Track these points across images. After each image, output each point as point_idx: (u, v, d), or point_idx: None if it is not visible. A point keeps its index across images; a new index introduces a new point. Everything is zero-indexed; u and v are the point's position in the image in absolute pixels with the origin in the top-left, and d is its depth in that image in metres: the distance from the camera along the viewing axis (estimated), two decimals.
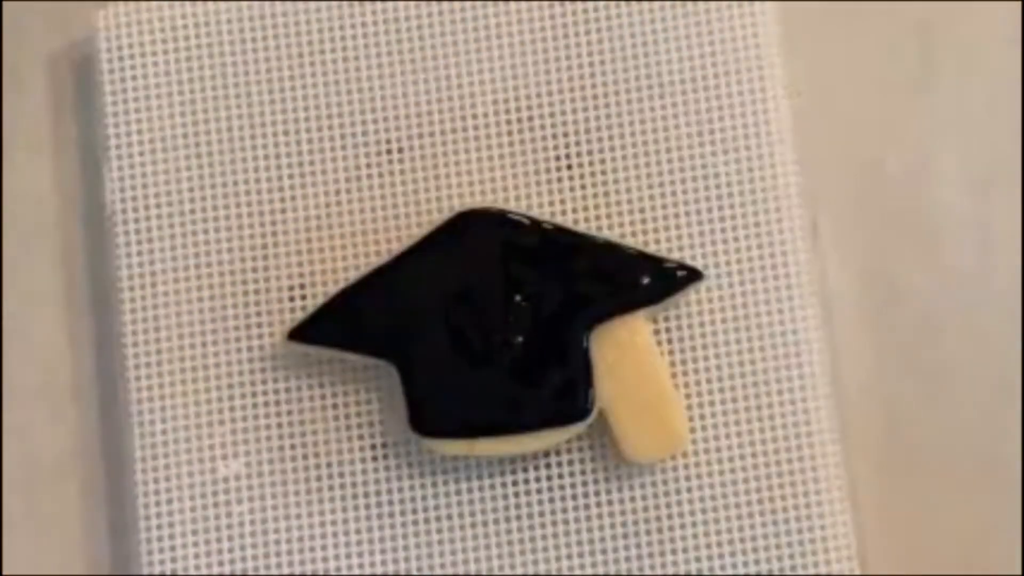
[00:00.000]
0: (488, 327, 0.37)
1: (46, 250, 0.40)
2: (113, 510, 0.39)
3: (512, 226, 0.37)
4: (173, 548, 0.37)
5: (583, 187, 0.39)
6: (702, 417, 0.38)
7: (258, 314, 0.38)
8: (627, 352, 0.36)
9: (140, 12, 0.39)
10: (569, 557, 0.37)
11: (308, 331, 0.37)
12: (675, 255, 0.38)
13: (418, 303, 0.37)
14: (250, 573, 0.37)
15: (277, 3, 0.40)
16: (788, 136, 0.39)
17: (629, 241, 0.38)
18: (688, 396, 0.38)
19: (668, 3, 0.39)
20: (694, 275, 0.37)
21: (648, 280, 0.37)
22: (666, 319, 0.38)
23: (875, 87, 0.40)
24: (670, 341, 0.38)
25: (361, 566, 0.37)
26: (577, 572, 0.37)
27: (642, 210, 0.39)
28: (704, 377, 0.38)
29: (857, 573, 0.37)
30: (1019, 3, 0.40)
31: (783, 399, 0.38)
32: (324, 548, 0.37)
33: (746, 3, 0.39)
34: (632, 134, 0.39)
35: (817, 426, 0.37)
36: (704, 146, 0.39)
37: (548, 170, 0.39)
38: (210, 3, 0.40)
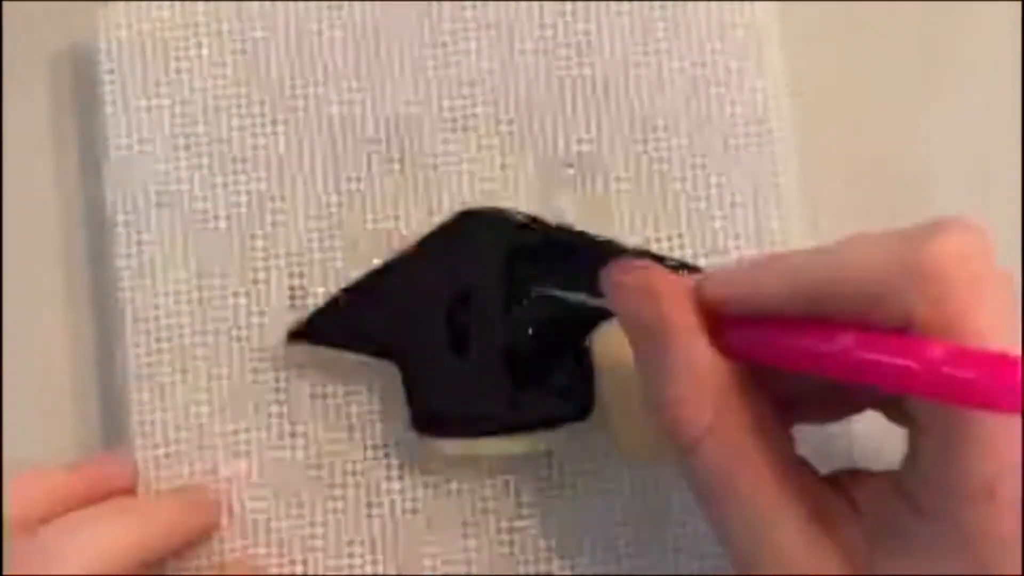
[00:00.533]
0: (489, 326, 0.37)
1: (46, 250, 0.40)
2: None
3: (512, 225, 0.37)
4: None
5: (583, 185, 0.39)
6: None
7: (260, 314, 0.38)
8: (627, 352, 0.35)
9: (140, 12, 0.39)
10: (571, 556, 0.37)
11: (309, 331, 0.37)
12: (676, 254, 0.38)
13: (419, 302, 0.37)
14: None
15: (278, 3, 0.39)
16: (789, 135, 0.39)
17: (629, 240, 0.38)
18: None
19: (669, 3, 0.39)
20: (695, 273, 0.37)
21: None
22: None
23: (875, 87, 0.40)
24: None
25: (362, 566, 0.37)
26: (579, 571, 0.37)
27: (643, 209, 0.39)
28: None
29: None
30: (1019, 3, 0.40)
31: None
32: (325, 548, 0.37)
33: (747, 3, 0.39)
34: (632, 133, 0.39)
35: None
36: (705, 145, 0.39)
37: (549, 170, 0.39)
38: (211, 3, 0.39)
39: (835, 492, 0.30)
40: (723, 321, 0.30)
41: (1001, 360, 0.25)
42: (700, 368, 0.30)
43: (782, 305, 0.29)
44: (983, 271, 0.27)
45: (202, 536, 0.37)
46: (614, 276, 0.32)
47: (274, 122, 0.39)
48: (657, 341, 0.31)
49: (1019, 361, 0.24)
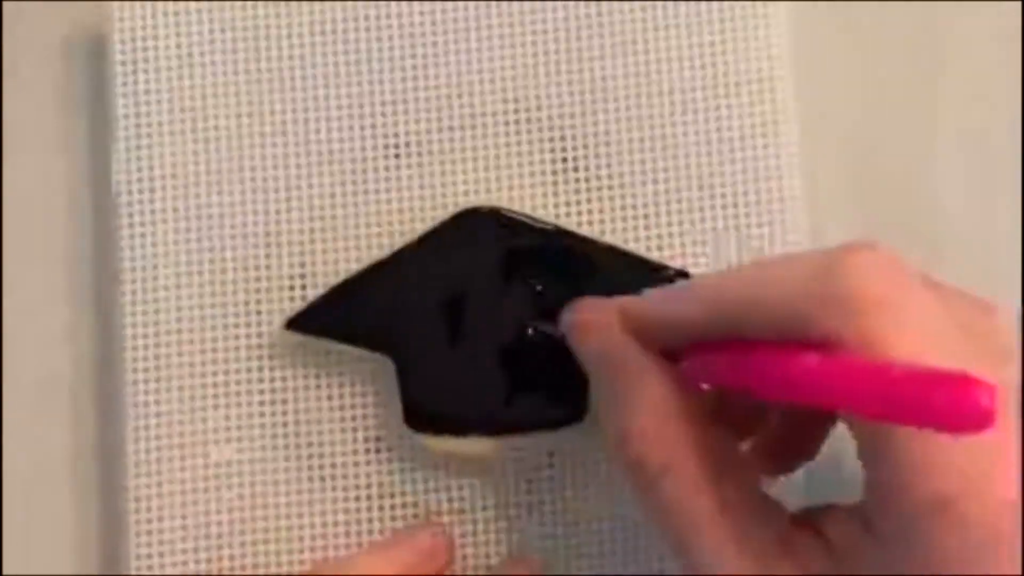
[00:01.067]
0: (485, 325, 0.36)
1: (47, 247, 0.40)
2: (108, 508, 0.39)
3: (513, 226, 0.37)
4: (161, 541, 0.37)
5: (588, 189, 0.39)
6: None
7: (258, 302, 0.38)
8: None
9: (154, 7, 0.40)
10: (578, 557, 0.37)
11: (306, 321, 0.37)
12: (677, 261, 0.38)
13: (416, 298, 0.37)
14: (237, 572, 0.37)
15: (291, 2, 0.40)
16: (795, 139, 0.38)
17: (631, 246, 0.38)
18: None
19: (675, 3, 0.39)
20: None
21: (647, 287, 0.37)
22: None
23: (875, 86, 0.40)
24: None
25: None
26: (583, 572, 0.37)
27: (646, 216, 0.38)
28: None
29: None
30: (1019, 3, 0.40)
31: None
32: (313, 539, 0.37)
33: (759, 3, 0.39)
34: (640, 139, 0.39)
35: None
36: (709, 145, 0.39)
37: (554, 171, 0.39)
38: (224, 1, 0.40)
39: (802, 527, 0.30)
40: (682, 349, 0.30)
41: (962, 380, 0.24)
42: (660, 400, 0.30)
43: (705, 329, 0.29)
44: (900, 293, 0.27)
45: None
46: (566, 316, 0.33)
47: (283, 119, 0.39)
48: (615, 375, 0.31)
49: (979, 382, 0.24)
